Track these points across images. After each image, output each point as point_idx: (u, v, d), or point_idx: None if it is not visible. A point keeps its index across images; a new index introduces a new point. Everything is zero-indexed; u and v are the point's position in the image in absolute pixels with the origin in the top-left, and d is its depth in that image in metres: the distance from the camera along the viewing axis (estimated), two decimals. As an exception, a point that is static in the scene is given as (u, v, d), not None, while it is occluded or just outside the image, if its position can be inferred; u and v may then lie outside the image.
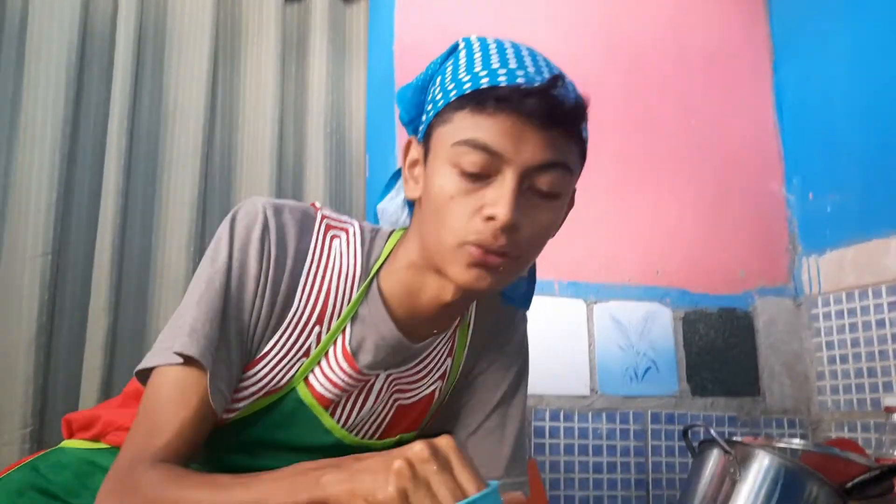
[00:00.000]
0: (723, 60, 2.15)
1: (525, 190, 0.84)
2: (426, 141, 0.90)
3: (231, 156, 1.71)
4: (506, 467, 1.04)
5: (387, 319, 0.95)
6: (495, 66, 0.85)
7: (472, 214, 0.83)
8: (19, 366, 1.43)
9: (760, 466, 1.37)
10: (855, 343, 1.85)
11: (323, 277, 0.93)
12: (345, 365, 0.95)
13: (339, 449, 0.99)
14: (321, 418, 0.96)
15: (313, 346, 0.94)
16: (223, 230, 0.90)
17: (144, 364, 0.88)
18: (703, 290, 1.96)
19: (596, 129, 1.96)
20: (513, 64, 0.85)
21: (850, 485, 1.39)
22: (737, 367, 1.94)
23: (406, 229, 0.98)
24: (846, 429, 1.85)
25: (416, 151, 0.93)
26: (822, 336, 1.96)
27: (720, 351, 1.93)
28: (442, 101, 0.86)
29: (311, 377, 0.94)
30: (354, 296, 0.94)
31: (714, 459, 1.43)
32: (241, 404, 0.92)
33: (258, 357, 0.92)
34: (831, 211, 1.97)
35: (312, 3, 1.82)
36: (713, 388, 1.90)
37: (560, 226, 0.95)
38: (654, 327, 1.88)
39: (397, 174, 1.05)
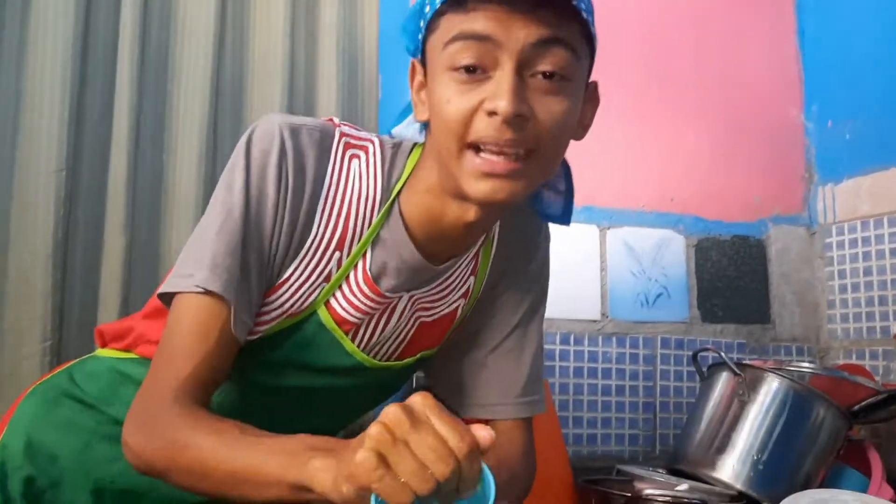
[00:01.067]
0: (745, -18, 2.09)
1: (528, 78, 0.80)
2: (423, 59, 0.88)
3: (242, 73, 1.69)
4: (524, 386, 1.06)
5: (408, 243, 0.93)
6: None
7: (474, 113, 0.80)
8: (37, 281, 1.44)
9: (770, 388, 1.39)
10: (867, 272, 1.85)
11: (342, 201, 0.92)
12: (366, 289, 0.94)
13: (359, 370, 1.00)
14: (342, 342, 0.97)
15: (334, 270, 0.93)
16: (239, 154, 0.88)
17: (166, 288, 0.88)
18: (717, 217, 1.94)
19: (612, 53, 1.93)
20: None
21: (857, 408, 1.41)
22: (748, 295, 1.94)
23: (423, 145, 0.95)
24: (854, 356, 1.86)
25: (419, 73, 0.90)
26: (834, 265, 1.95)
27: (732, 278, 1.93)
28: (430, 12, 0.84)
29: (332, 301, 0.94)
30: (375, 219, 0.93)
31: (723, 382, 1.45)
32: (264, 327, 0.93)
33: (279, 283, 0.92)
34: (850, 139, 1.94)
35: (325, -83, 1.77)
36: (723, 314, 1.91)
37: (586, 124, 0.92)
38: (667, 254, 1.88)
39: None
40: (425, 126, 0.94)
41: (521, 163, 0.81)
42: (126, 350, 1.05)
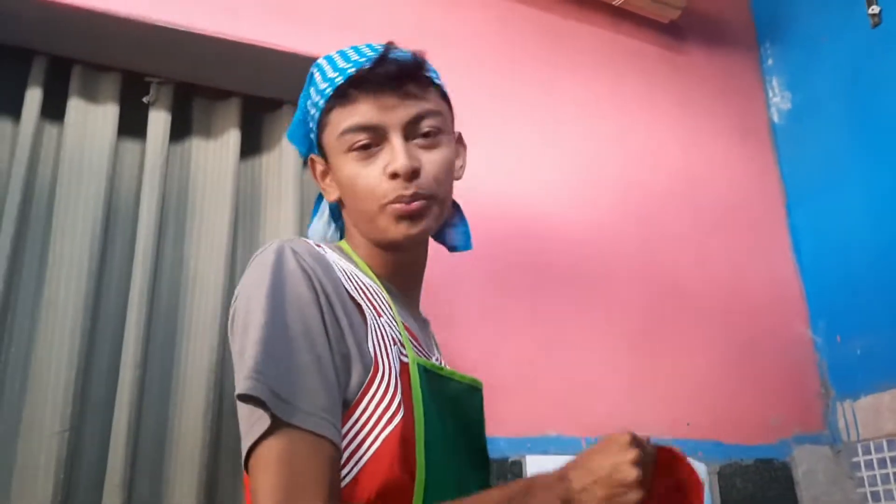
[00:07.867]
0: (737, 207, 2.17)
1: (411, 142, 1.03)
2: (322, 151, 1.10)
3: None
4: None
5: (397, 293, 1.09)
6: (342, 65, 1.05)
7: (379, 179, 1.01)
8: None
9: None
10: (903, 495, 1.76)
11: (350, 279, 0.99)
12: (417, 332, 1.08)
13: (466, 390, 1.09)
14: (441, 371, 1.05)
15: (395, 333, 0.99)
16: (258, 278, 0.90)
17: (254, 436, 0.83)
18: (737, 440, 1.88)
19: (615, 282, 1.96)
20: (354, 57, 1.05)
21: None
22: (780, 523, 1.83)
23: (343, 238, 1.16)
24: (904, 589, 1.72)
25: (320, 164, 1.12)
26: (866, 486, 1.86)
27: (760, 506, 1.83)
28: (316, 113, 1.07)
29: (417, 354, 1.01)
30: (372, 283, 1.03)
31: None
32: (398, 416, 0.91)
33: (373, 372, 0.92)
34: (861, 354, 1.92)
35: (330, 167, 1.87)
36: (757, 547, 1.79)
37: (462, 164, 1.14)
38: (689, 484, 1.79)
39: (319, 198, 1.23)
40: (335, 214, 1.19)
41: (423, 201, 1.02)
42: None
